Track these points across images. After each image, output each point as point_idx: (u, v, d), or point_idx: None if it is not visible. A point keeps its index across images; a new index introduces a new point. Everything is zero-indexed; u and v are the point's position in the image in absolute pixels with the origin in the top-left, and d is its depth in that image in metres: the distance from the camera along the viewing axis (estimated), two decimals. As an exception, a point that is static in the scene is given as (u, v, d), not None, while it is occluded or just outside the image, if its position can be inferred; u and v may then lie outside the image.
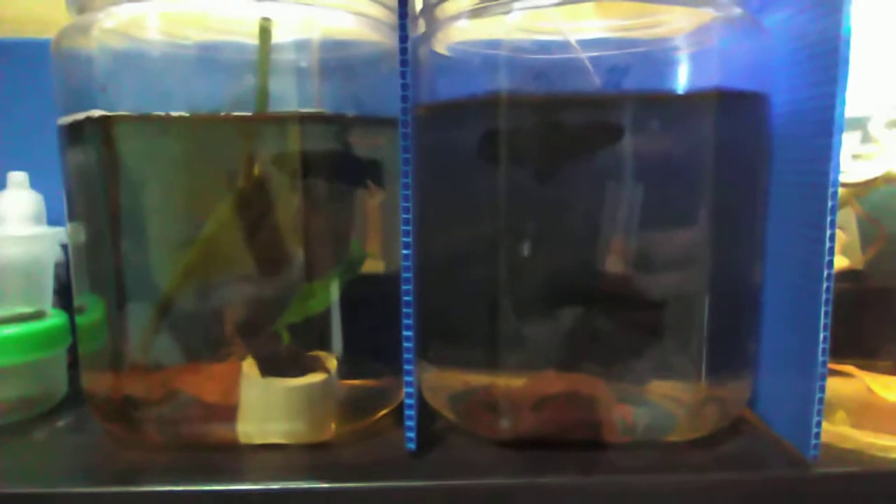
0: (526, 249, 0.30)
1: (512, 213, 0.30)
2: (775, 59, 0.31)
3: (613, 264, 0.31)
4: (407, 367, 0.29)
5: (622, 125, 0.30)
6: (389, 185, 0.33)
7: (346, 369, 0.32)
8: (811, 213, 0.27)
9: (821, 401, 0.27)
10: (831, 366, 0.36)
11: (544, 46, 0.31)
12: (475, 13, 0.32)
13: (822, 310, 0.27)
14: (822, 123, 0.27)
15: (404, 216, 0.28)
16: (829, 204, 0.26)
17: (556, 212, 0.31)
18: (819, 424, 0.27)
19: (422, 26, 0.35)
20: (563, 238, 0.31)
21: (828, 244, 0.26)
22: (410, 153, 0.28)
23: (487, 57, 0.32)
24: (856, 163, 0.34)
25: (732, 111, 0.32)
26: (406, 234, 0.28)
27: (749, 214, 0.32)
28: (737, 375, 0.32)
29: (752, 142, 0.32)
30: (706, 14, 0.31)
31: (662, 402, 0.31)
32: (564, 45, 0.31)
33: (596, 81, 0.31)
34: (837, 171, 0.26)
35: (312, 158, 0.31)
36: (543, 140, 0.30)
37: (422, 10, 0.35)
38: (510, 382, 0.31)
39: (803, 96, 0.29)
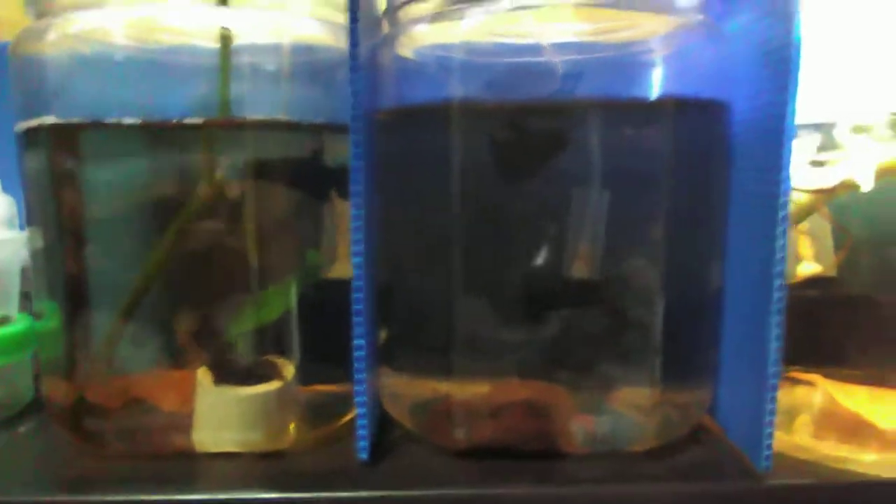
0: (483, 257, 0.30)
1: (469, 220, 0.30)
2: (736, 67, 0.31)
3: (571, 272, 0.31)
4: (358, 375, 0.29)
5: (577, 132, 0.30)
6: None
7: (306, 375, 0.32)
8: (767, 221, 0.27)
9: (772, 411, 0.27)
10: (797, 374, 0.36)
11: (508, 50, 0.31)
12: (439, 16, 0.32)
13: (774, 319, 0.26)
14: (775, 131, 0.26)
15: (355, 224, 0.28)
16: (780, 213, 0.26)
17: (513, 219, 0.30)
18: (770, 435, 0.27)
19: (386, 29, 0.35)
20: (520, 246, 0.31)
21: (778, 253, 0.26)
22: (361, 160, 0.27)
23: (447, 61, 0.31)
24: (820, 169, 0.34)
25: (692, 119, 0.31)
26: (357, 241, 0.28)
27: (709, 223, 0.32)
28: (696, 384, 0.32)
29: (712, 150, 0.31)
30: (668, 20, 0.31)
31: (622, 410, 0.31)
32: (528, 50, 0.31)
33: (563, 86, 0.30)
34: (787, 180, 0.26)
35: (269, 165, 0.31)
36: (499, 146, 0.30)
37: (385, 12, 0.34)
38: (468, 390, 0.31)
39: (760, 104, 0.28)
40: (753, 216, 0.29)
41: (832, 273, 0.36)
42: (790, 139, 0.25)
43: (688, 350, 0.32)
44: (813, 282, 0.38)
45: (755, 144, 0.29)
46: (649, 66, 0.31)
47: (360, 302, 0.28)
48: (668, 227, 0.30)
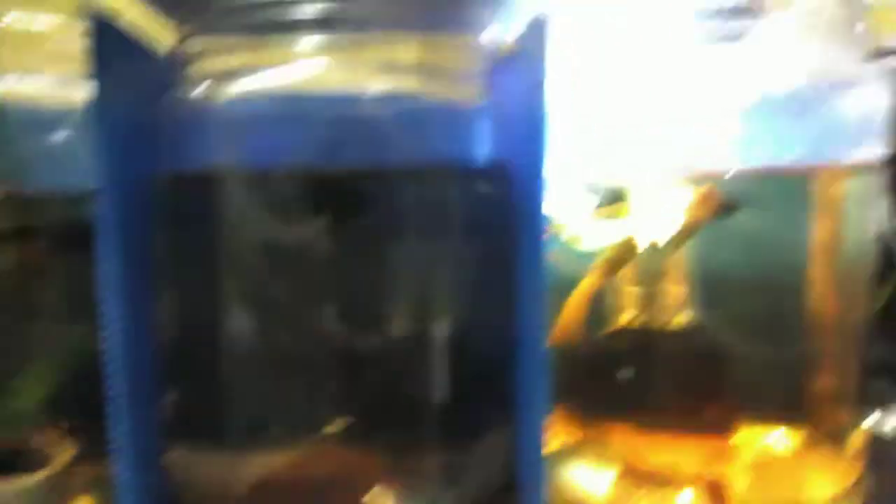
0: (268, 325, 0.29)
1: (249, 288, 0.29)
2: (517, 131, 0.31)
3: (361, 336, 0.30)
4: (122, 461, 0.27)
5: (361, 196, 0.30)
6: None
7: (93, 454, 0.30)
8: (530, 282, 0.27)
9: (540, 474, 0.27)
10: (611, 426, 0.37)
11: (301, 108, 0.31)
12: (227, 74, 0.31)
13: (538, 382, 0.26)
14: (533, 193, 0.27)
15: (106, 301, 0.26)
16: (537, 275, 0.26)
17: (298, 284, 0.30)
18: (541, 499, 0.27)
19: (189, 79, 0.34)
20: (307, 312, 0.30)
21: (530, 317, 0.26)
22: (110, 232, 0.26)
23: (218, 118, 0.31)
24: (605, 226, 0.35)
25: (479, 181, 0.32)
26: (109, 320, 0.26)
27: (501, 284, 0.32)
28: (491, 444, 0.31)
29: (498, 212, 0.32)
30: (456, 86, 0.32)
31: (419, 478, 0.30)
32: (326, 106, 0.31)
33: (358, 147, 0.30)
34: (537, 242, 0.26)
35: (35, 236, 0.29)
36: (272, 209, 0.29)
37: (173, 64, 0.33)
38: (254, 466, 0.30)
39: (529, 165, 0.29)
40: (525, 277, 0.29)
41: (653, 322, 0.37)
42: (538, 200, 0.26)
43: (481, 410, 0.31)
44: (625, 331, 0.38)
45: (526, 205, 0.29)
46: (435, 128, 0.31)
47: (115, 387, 0.26)
48: (460, 288, 0.30)
